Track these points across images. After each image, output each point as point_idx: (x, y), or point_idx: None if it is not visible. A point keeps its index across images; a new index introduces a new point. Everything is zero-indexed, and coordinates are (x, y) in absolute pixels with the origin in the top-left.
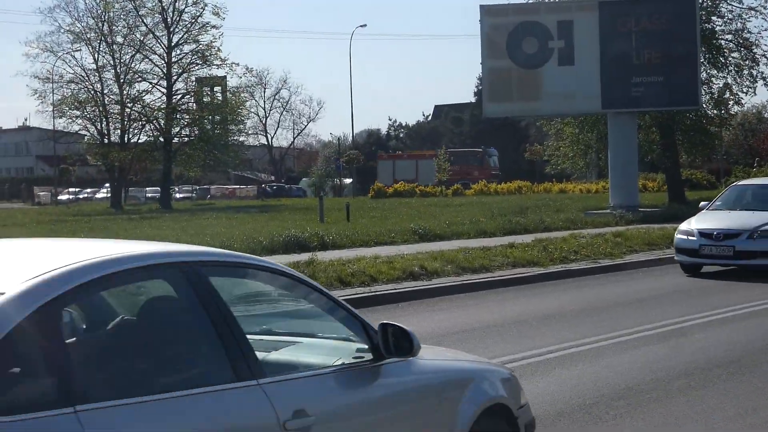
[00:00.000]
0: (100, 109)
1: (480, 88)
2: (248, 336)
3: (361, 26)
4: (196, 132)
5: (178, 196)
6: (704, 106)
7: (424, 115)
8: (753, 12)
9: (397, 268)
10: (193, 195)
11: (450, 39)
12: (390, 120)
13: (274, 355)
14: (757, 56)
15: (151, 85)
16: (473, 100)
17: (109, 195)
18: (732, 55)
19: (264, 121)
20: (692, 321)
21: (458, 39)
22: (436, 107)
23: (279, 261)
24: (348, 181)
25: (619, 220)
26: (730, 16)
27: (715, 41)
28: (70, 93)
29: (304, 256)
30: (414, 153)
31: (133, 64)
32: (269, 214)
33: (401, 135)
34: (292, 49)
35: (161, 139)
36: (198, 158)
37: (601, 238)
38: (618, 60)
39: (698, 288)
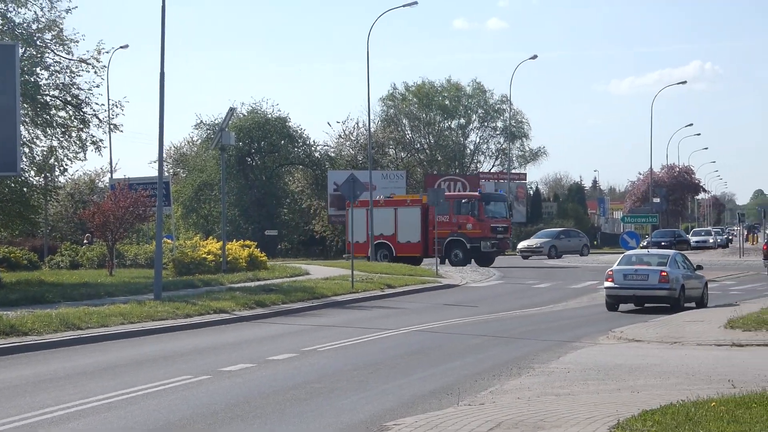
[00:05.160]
0: None
1: None
2: None
3: None
4: None
5: None
6: (25, 172)
7: None
8: (84, 65)
9: None
10: None
11: None
12: None
13: None
14: (87, 116)
15: None
16: None
17: None
18: (59, 113)
19: None
20: None
21: None
22: None
23: None
24: None
25: None
26: (58, 68)
27: (40, 97)
28: None
29: None
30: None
31: None
32: None
33: None
34: None
35: None
36: None
37: None
38: None
39: None
